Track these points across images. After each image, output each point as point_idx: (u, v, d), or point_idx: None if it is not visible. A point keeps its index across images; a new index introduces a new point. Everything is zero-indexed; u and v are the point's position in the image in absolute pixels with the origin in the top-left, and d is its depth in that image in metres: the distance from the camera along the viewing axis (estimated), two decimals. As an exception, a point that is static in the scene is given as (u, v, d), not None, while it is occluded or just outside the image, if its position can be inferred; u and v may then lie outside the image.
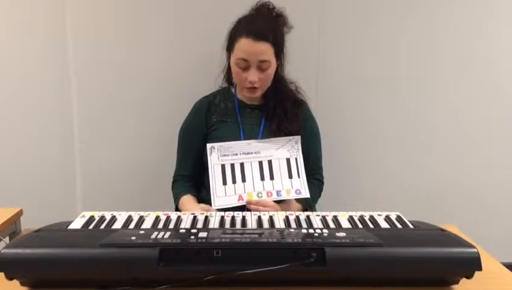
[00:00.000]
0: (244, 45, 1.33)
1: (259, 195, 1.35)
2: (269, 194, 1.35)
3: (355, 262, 0.83)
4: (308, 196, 1.36)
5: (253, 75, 1.35)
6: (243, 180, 1.37)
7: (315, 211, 1.47)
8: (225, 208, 1.28)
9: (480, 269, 0.84)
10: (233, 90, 1.53)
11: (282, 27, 1.43)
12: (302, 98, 1.53)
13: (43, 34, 1.74)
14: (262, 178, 1.37)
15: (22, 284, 0.87)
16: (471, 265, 0.84)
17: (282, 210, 1.26)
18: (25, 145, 1.82)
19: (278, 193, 1.36)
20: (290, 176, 1.38)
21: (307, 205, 1.42)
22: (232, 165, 1.38)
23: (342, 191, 1.85)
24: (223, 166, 1.38)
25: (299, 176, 1.38)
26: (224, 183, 1.36)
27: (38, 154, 1.83)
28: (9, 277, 0.84)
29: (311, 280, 0.86)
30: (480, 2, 1.78)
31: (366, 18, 1.79)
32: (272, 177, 1.38)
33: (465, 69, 1.83)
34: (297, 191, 1.37)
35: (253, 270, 0.80)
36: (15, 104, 1.79)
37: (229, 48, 1.41)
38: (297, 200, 1.40)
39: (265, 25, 1.37)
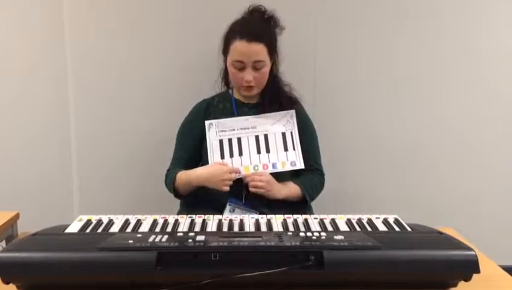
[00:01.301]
0: (239, 47, 1.38)
1: (256, 168, 1.41)
2: (265, 166, 1.41)
3: (354, 265, 0.83)
4: (302, 167, 1.42)
5: (248, 75, 1.40)
6: (240, 154, 1.42)
7: (312, 213, 1.47)
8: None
9: (478, 271, 0.84)
10: (230, 91, 1.56)
11: (274, 28, 1.48)
12: (296, 97, 1.55)
13: (40, 33, 1.74)
14: (259, 151, 1.43)
15: (19, 288, 0.86)
16: (469, 268, 0.84)
17: (280, 186, 1.36)
18: (22, 147, 1.82)
19: (274, 165, 1.41)
20: (286, 149, 1.44)
21: (305, 189, 1.44)
22: (230, 140, 1.44)
23: (339, 192, 1.85)
24: (220, 141, 1.44)
25: (294, 148, 1.43)
26: (222, 157, 1.42)
27: (35, 156, 1.83)
28: (6, 281, 0.84)
29: (309, 283, 0.86)
30: (478, 3, 1.79)
31: (363, 18, 1.80)
32: (268, 151, 1.43)
33: (464, 71, 1.84)
34: (293, 163, 1.42)
35: (251, 274, 0.80)
36: (11, 104, 1.79)
37: (225, 50, 1.45)
38: (296, 183, 1.43)
39: (259, 27, 1.42)
